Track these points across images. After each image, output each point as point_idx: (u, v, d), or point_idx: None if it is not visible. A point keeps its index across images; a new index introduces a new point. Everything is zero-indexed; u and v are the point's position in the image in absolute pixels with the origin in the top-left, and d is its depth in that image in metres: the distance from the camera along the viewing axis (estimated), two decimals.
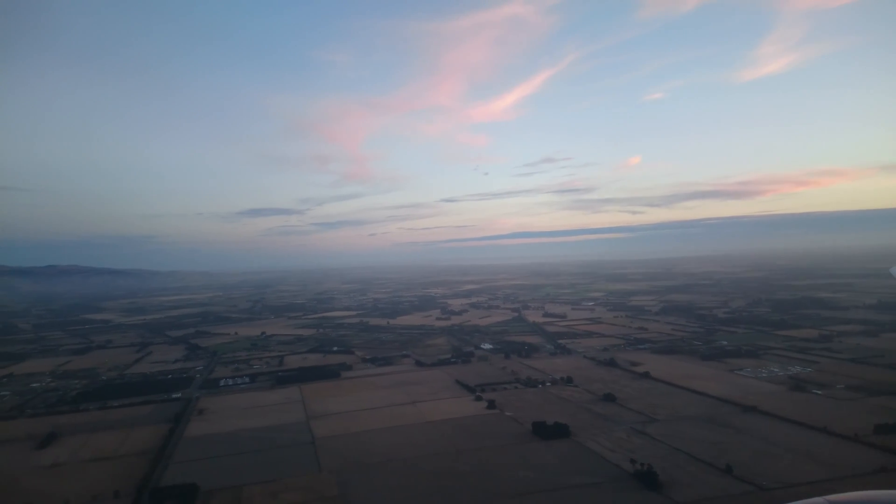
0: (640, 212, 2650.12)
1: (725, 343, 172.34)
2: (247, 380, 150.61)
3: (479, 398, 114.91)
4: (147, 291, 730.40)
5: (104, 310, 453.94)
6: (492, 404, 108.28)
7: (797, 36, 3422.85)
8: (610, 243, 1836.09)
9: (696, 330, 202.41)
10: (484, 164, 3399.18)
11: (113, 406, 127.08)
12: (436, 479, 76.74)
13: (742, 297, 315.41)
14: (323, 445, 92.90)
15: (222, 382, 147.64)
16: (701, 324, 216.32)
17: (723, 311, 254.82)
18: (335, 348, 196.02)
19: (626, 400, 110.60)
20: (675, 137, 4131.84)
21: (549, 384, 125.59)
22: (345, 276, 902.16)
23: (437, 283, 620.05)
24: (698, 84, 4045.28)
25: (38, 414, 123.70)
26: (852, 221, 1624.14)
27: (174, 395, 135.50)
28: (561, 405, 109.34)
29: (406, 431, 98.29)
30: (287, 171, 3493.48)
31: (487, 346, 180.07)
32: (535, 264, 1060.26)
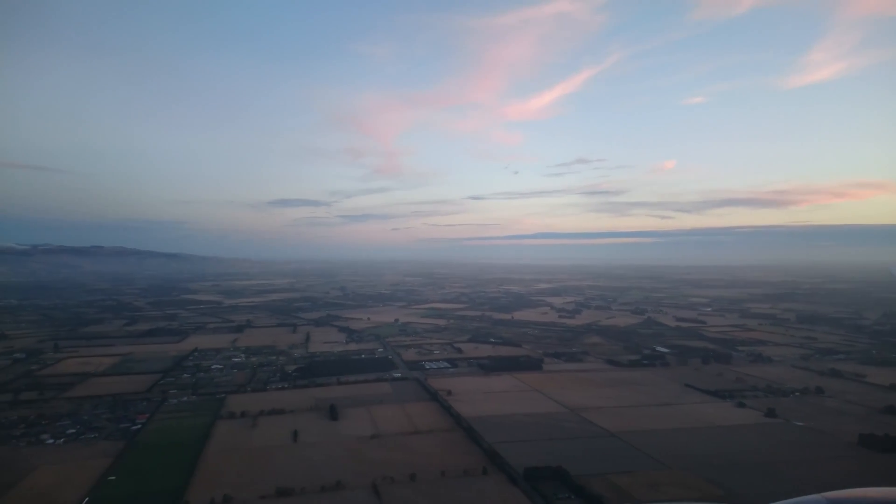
0: (669, 217, 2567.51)
1: None
2: (445, 364, 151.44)
3: (741, 404, 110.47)
4: (215, 276, 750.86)
5: (196, 291, 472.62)
6: (771, 412, 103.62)
7: (851, 42, 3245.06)
8: (637, 248, 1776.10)
9: (870, 341, 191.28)
10: (515, 162, 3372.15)
11: (349, 382, 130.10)
12: (822, 488, 73.12)
13: (865, 308, 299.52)
14: (630, 440, 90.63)
15: (427, 366, 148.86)
16: (869, 336, 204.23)
17: (870, 322, 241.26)
18: (492, 339, 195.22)
19: None
20: (713, 143, 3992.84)
21: (797, 394, 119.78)
22: (396, 269, 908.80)
23: (503, 280, 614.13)
24: (742, 89, 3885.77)
25: (283, 387, 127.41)
26: (890, 235, 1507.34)
27: (395, 375, 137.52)
28: (843, 417, 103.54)
29: (705, 434, 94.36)
30: (320, 163, 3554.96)
31: (663, 349, 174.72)
32: (581, 266, 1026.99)
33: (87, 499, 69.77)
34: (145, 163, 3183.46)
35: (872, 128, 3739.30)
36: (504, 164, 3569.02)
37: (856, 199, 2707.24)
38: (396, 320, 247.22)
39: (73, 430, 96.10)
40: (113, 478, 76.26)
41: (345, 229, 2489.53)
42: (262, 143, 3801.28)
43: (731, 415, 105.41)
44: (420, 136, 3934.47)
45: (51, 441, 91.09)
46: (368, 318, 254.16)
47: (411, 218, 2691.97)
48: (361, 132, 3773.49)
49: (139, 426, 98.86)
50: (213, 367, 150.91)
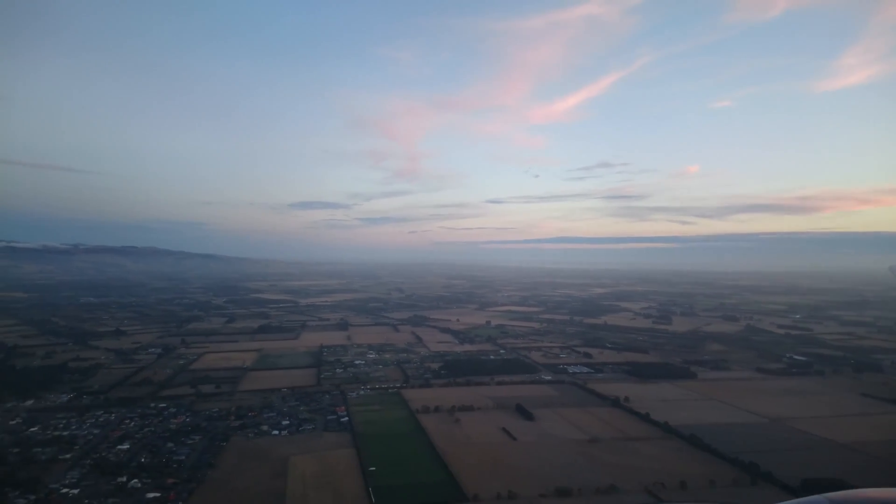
0: (690, 222, 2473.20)
1: None
2: (585, 369, 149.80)
3: None
4: (261, 276, 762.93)
5: (260, 290, 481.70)
6: None
7: (884, 47, 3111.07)
8: (656, 253, 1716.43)
9: None
10: (537, 165, 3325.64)
11: (505, 382, 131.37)
12: None
13: None
14: (872, 451, 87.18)
15: (570, 370, 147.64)
16: None
17: None
18: (608, 344, 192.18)
19: None
20: (738, 147, 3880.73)
21: None
22: (430, 272, 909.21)
23: (553, 283, 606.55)
24: (771, 93, 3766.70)
25: (446, 384, 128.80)
26: None
27: (546, 377, 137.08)
28: None
29: None
30: (342, 166, 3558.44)
31: (800, 357, 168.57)
32: (613, 270, 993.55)
33: (370, 487, 70.96)
34: (166, 164, 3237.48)
35: None
36: (525, 167, 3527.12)
37: (884, 205, 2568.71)
38: (488, 322, 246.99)
39: (287, 422, 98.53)
40: (373, 469, 77.48)
41: (362, 231, 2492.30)
42: (284, 146, 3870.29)
43: None
44: (442, 140, 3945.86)
45: (275, 432, 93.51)
46: (458, 320, 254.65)
47: (429, 221, 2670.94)
48: (384, 135, 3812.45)
49: (346, 418, 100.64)
50: (355, 362, 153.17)
